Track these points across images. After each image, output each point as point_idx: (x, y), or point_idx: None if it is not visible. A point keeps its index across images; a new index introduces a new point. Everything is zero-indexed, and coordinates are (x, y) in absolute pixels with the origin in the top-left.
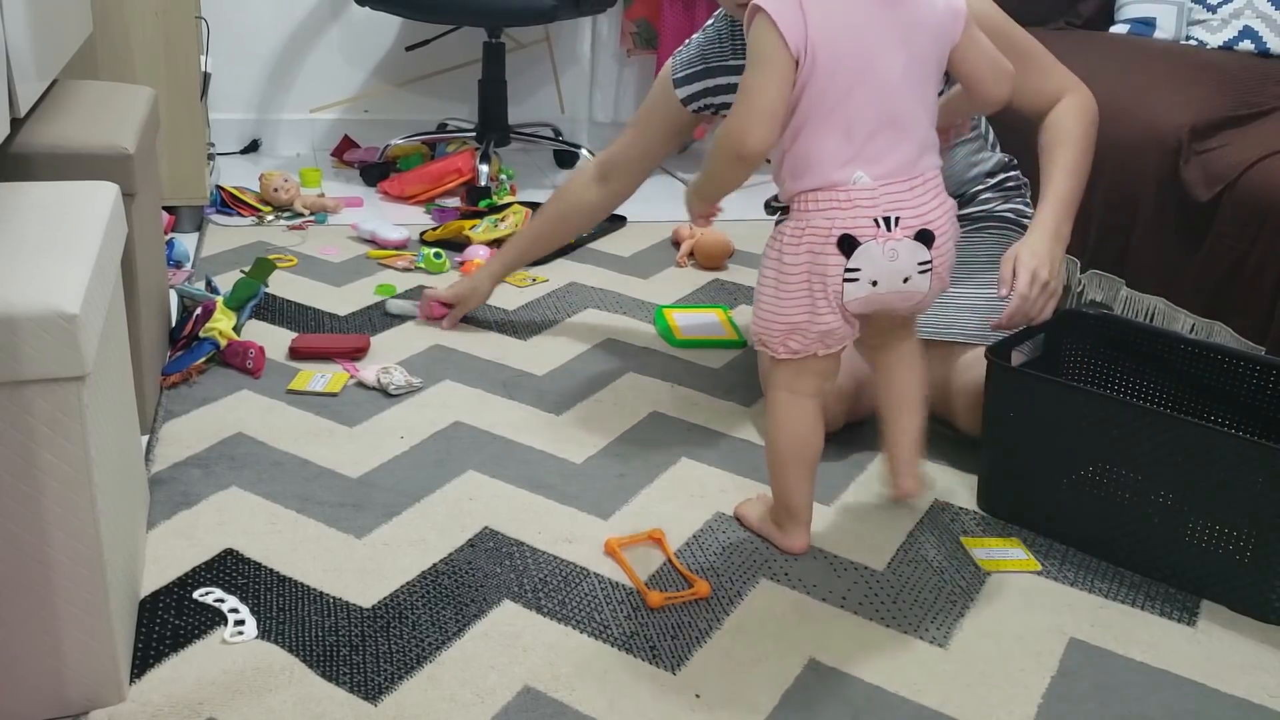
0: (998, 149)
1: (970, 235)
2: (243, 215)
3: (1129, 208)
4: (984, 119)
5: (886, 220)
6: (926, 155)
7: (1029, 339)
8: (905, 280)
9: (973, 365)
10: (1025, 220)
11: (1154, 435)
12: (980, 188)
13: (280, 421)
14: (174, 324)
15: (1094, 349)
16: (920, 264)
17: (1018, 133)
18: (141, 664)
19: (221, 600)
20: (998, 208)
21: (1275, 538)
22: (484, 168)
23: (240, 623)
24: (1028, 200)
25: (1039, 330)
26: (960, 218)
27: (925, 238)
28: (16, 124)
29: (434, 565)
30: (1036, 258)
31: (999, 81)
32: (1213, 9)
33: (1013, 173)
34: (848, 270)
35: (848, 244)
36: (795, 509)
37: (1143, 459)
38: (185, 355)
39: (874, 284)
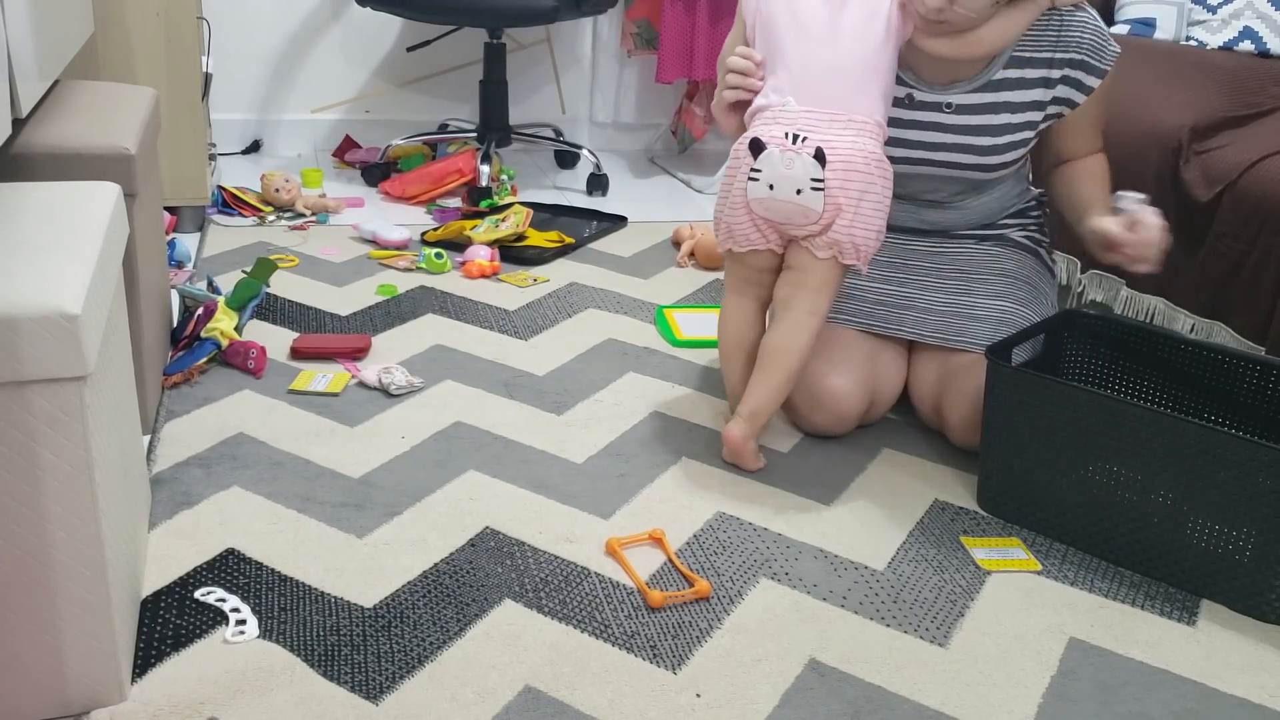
0: (1030, 181)
1: (983, 249)
2: (244, 215)
3: None
4: (1028, 157)
5: (795, 137)
6: (862, 103)
7: (1029, 339)
8: (798, 192)
9: (968, 371)
10: (1040, 248)
11: (1154, 435)
12: (1007, 219)
13: (281, 421)
14: (175, 324)
15: (1094, 349)
16: (813, 180)
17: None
18: (143, 663)
19: (223, 600)
20: (1014, 234)
21: (1275, 538)
22: (485, 168)
23: (241, 622)
24: (1045, 230)
25: (1039, 330)
26: (979, 237)
27: (820, 155)
28: (18, 124)
29: (435, 565)
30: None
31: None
32: (1213, 9)
33: (1037, 209)
34: (752, 170)
35: (756, 146)
36: (733, 394)
37: (1143, 459)
38: (187, 355)
39: (771, 187)
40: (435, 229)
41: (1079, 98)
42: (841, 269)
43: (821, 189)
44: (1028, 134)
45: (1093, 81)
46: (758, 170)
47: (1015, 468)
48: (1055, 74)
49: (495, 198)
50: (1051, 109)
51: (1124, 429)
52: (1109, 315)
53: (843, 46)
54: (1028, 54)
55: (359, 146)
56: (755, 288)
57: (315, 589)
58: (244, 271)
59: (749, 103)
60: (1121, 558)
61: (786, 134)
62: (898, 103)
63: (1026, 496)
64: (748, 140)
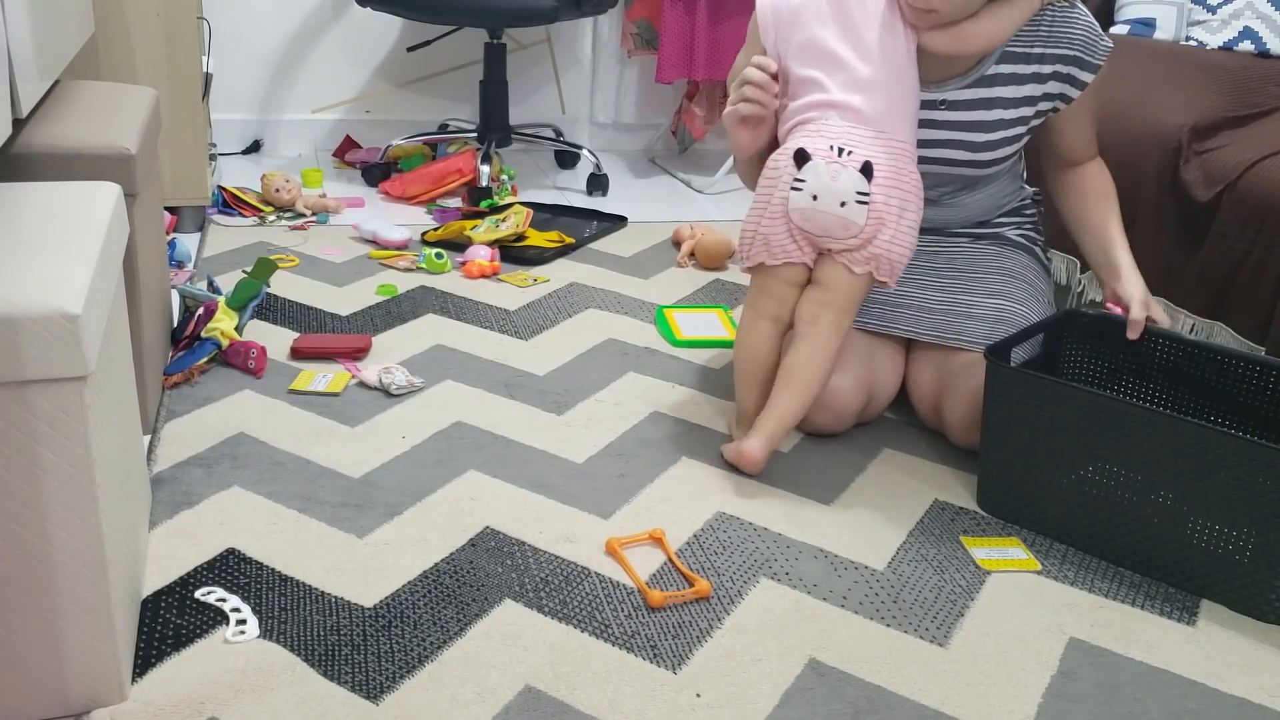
0: (1024, 180)
1: (979, 247)
2: (244, 215)
3: (1129, 208)
4: (1022, 155)
5: (841, 150)
6: (896, 123)
7: (1028, 339)
8: (842, 204)
9: (967, 371)
10: (1036, 246)
11: (1154, 435)
12: (1001, 217)
13: (282, 421)
14: (176, 324)
15: (1094, 349)
16: (859, 194)
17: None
18: (143, 663)
19: (223, 600)
20: (1010, 233)
21: (1275, 538)
22: (485, 168)
23: (242, 622)
24: (1040, 229)
25: (1038, 330)
26: (974, 235)
27: (867, 170)
28: (19, 124)
29: (435, 565)
30: (1148, 296)
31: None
32: (1213, 9)
33: (1032, 208)
34: (796, 180)
35: (801, 156)
36: (744, 412)
37: (1143, 459)
38: (187, 355)
39: (814, 198)
40: (435, 229)
41: (1073, 93)
42: (869, 287)
43: (866, 203)
44: (1020, 130)
45: (1086, 77)
46: (801, 180)
47: (1015, 468)
48: (1046, 69)
49: (495, 198)
50: (1044, 104)
51: (1124, 429)
52: (1109, 315)
53: (873, 66)
54: (1020, 49)
55: (359, 146)
56: (778, 306)
57: (315, 589)
58: (244, 271)
59: (761, 119)
60: (1121, 558)
61: (831, 146)
62: None
63: (1026, 496)
64: (791, 151)
